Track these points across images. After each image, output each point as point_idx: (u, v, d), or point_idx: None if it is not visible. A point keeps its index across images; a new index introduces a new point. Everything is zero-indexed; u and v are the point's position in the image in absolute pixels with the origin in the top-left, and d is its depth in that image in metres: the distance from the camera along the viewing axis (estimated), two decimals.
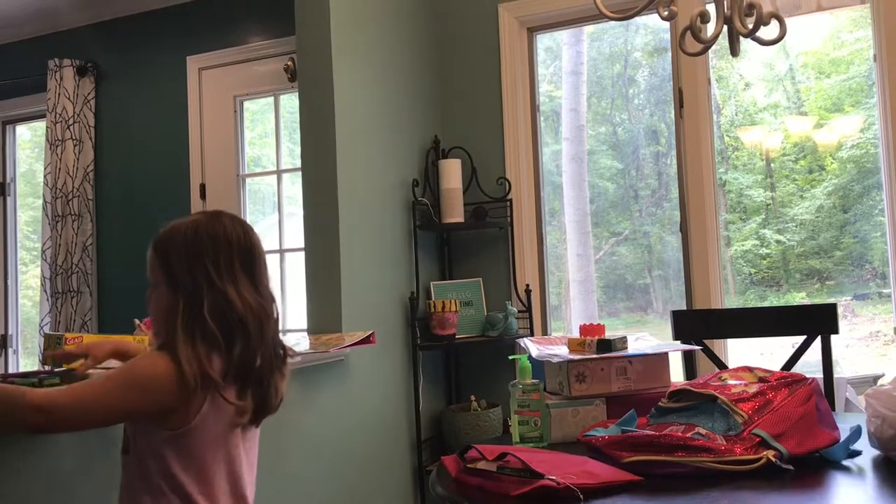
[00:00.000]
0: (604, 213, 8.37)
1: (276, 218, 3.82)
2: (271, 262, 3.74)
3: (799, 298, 7.59)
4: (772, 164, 7.85)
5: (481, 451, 1.43)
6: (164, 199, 3.93)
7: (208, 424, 1.31)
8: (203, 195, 3.91)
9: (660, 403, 1.58)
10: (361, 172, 2.82)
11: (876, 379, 4.92)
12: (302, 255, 2.80)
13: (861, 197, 7.78)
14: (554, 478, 1.26)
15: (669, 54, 3.20)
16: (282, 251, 3.74)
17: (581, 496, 1.22)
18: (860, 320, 7.35)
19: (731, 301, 7.14)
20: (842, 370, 4.66)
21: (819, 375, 2.28)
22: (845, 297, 7.51)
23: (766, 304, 7.70)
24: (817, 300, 7.63)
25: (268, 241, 3.91)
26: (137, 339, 1.66)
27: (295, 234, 3.64)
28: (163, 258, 1.35)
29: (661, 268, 8.01)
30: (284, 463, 2.29)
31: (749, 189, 8.03)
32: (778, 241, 7.97)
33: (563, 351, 1.80)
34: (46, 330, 4.06)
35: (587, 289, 7.36)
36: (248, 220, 3.87)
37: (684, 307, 3.08)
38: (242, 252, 1.38)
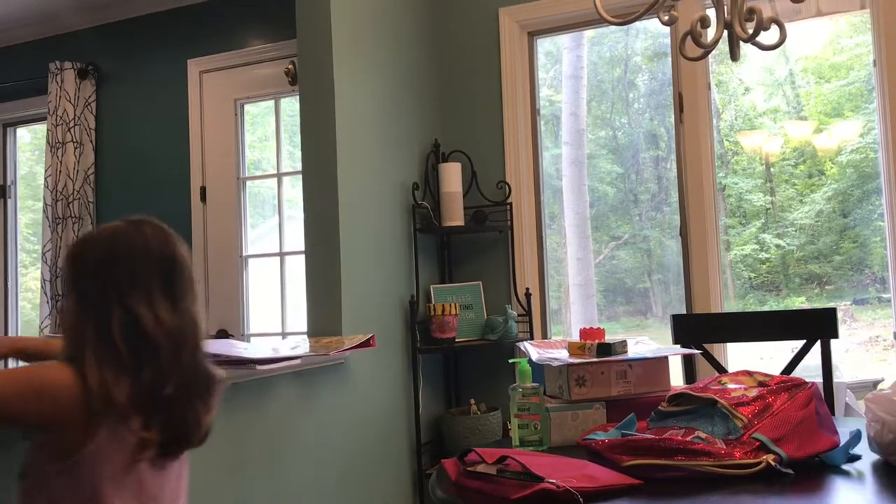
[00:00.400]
0: (603, 217, 8.37)
1: (276, 221, 3.82)
2: (272, 265, 3.77)
3: (798, 303, 7.59)
4: (771, 169, 7.86)
5: (481, 455, 1.43)
6: (164, 201, 3.94)
7: (107, 455, 1.18)
8: (203, 198, 3.91)
9: (660, 407, 1.58)
10: (362, 175, 2.83)
11: (875, 384, 4.92)
12: (302, 258, 2.80)
13: (861, 202, 7.78)
14: (554, 481, 1.26)
15: (669, 58, 3.20)
16: (282, 254, 3.74)
17: (581, 500, 1.22)
18: (859, 325, 7.35)
19: (731, 305, 7.14)
20: (841, 375, 4.66)
21: (818, 380, 2.29)
22: (845, 302, 7.52)
23: (765, 308, 7.70)
24: (817, 305, 7.63)
25: (268, 244, 3.91)
26: (51, 340, 1.56)
27: (295, 237, 3.65)
28: (74, 269, 1.24)
29: (660, 272, 8.02)
30: (283, 466, 2.29)
31: (749, 193, 8.04)
32: (778, 246, 7.97)
33: (563, 355, 1.80)
34: (46, 332, 4.06)
35: (587, 293, 7.36)
36: (249, 222, 3.89)
37: (684, 311, 3.08)
38: (162, 266, 1.25)
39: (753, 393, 1.47)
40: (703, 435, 1.43)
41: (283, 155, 3.81)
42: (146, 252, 1.25)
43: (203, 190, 3.92)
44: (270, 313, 3.75)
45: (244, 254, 3.82)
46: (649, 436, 1.45)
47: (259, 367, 2.05)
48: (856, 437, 1.40)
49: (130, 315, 1.20)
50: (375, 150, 2.94)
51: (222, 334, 3.74)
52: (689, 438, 1.41)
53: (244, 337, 3.76)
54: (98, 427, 1.16)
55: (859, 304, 7.66)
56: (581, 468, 1.39)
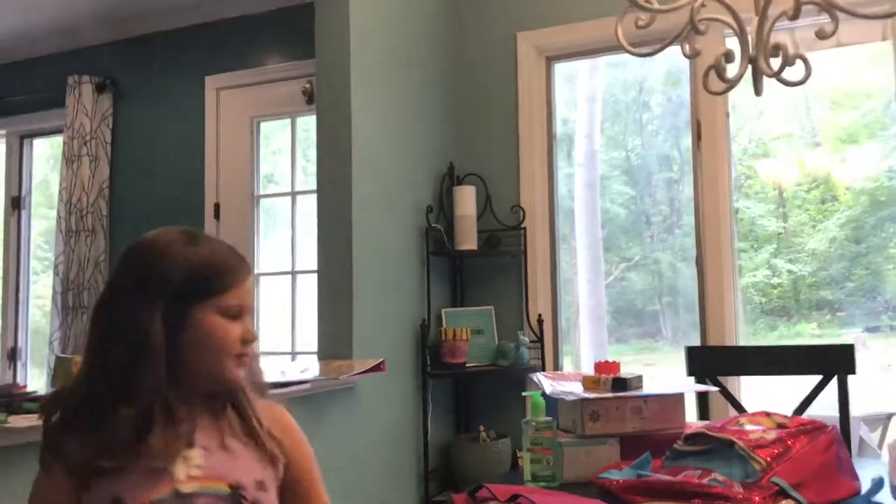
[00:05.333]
0: (615, 238, 8.35)
1: (289, 238, 3.82)
2: (284, 283, 3.76)
3: (809, 329, 7.53)
4: (784, 194, 7.83)
5: (493, 491, 1.41)
6: (177, 217, 3.86)
7: None
8: (217, 215, 3.91)
9: (675, 446, 1.55)
10: (376, 196, 2.82)
11: (890, 416, 4.85)
12: (314, 277, 2.79)
13: (874, 229, 7.73)
14: None
15: (686, 83, 3.19)
16: (294, 273, 3.73)
17: None
18: (871, 353, 7.28)
19: (742, 331, 7.09)
20: (853, 407, 4.60)
21: (832, 413, 2.26)
22: (856, 329, 7.45)
23: (776, 334, 7.64)
24: (828, 331, 7.56)
25: (281, 262, 3.91)
26: None
27: (308, 255, 3.64)
28: None
29: (671, 295, 7.98)
30: None
31: (761, 218, 8.00)
32: (789, 271, 7.93)
33: (577, 388, 1.77)
34: (56, 346, 4.06)
35: (597, 314, 7.32)
36: (261, 240, 3.89)
37: (695, 336, 3.05)
38: None
39: (772, 435, 1.44)
40: (720, 478, 1.40)
41: (297, 171, 3.82)
42: None
43: (217, 207, 3.92)
44: (281, 331, 3.74)
45: (257, 271, 3.82)
46: (665, 477, 1.43)
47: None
48: (878, 485, 1.37)
49: None
50: (391, 171, 2.93)
51: None
52: (705, 481, 1.39)
53: None
54: None
55: (871, 331, 7.59)
56: None
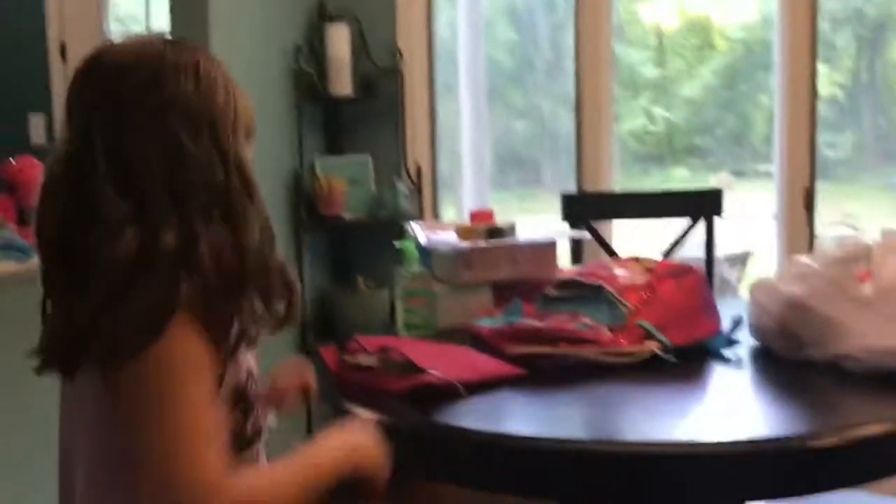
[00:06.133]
0: (499, 85, 8.25)
1: None
2: None
3: (680, 175, 7.82)
4: (663, 40, 7.87)
5: (362, 343, 1.36)
6: (18, 59, 3.55)
7: None
8: (64, 55, 3.54)
9: (546, 292, 1.55)
10: (238, 37, 2.61)
11: (748, 255, 5.18)
12: None
13: (746, 76, 7.95)
14: (436, 372, 1.21)
15: None
16: None
17: (464, 391, 1.18)
18: (736, 196, 7.66)
19: (618, 176, 7.28)
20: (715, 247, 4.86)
21: (699, 254, 2.35)
22: (724, 174, 7.80)
23: (649, 179, 7.90)
24: (698, 176, 7.89)
25: None
26: None
27: None
28: None
29: (552, 142, 8.04)
30: None
31: (641, 65, 8.05)
32: (665, 118, 8.11)
33: (451, 238, 1.74)
34: None
35: (480, 163, 7.31)
36: None
37: (574, 183, 3.07)
38: None
39: (640, 279, 1.45)
40: (588, 322, 1.40)
41: (153, 9, 3.48)
42: None
43: (63, 46, 3.54)
44: None
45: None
46: (535, 323, 1.42)
47: None
48: (737, 324, 1.41)
49: None
50: (252, 5, 2.70)
51: None
52: (574, 326, 1.39)
53: None
54: None
55: (737, 176, 7.97)
56: (464, 356, 1.35)
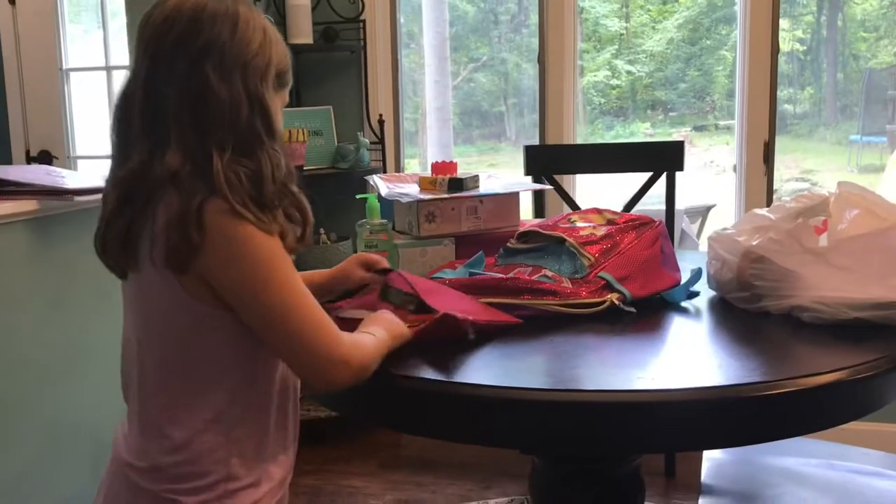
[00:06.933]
0: (463, 37, 8.14)
1: (100, 33, 3.41)
2: (98, 79, 3.39)
3: (643, 129, 7.84)
4: None
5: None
6: None
7: None
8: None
9: (508, 244, 1.54)
10: None
11: (708, 209, 5.24)
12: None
13: (709, 31, 7.95)
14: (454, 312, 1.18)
15: None
16: (109, 68, 3.37)
17: (472, 334, 1.17)
18: (697, 150, 7.73)
19: (581, 131, 7.28)
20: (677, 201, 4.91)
21: (660, 207, 2.37)
22: (686, 129, 7.85)
23: (612, 133, 7.91)
24: (660, 130, 7.92)
25: (92, 56, 3.51)
26: None
27: (123, 49, 3.29)
28: None
29: (516, 95, 7.99)
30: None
31: (605, 18, 8.00)
32: (628, 72, 8.09)
33: (413, 190, 1.72)
34: None
35: (444, 116, 7.25)
36: (68, 32, 3.45)
37: (537, 137, 3.05)
38: None
39: (602, 231, 1.45)
40: (549, 274, 1.41)
41: None
42: None
43: None
44: (99, 134, 3.42)
45: (64, 66, 3.41)
46: (496, 274, 1.42)
47: (77, 199, 1.85)
48: (696, 275, 1.42)
49: None
50: None
51: (45, 156, 3.39)
52: (535, 277, 1.39)
53: (70, 160, 3.44)
54: None
55: (699, 130, 8.03)
56: (460, 301, 1.31)
